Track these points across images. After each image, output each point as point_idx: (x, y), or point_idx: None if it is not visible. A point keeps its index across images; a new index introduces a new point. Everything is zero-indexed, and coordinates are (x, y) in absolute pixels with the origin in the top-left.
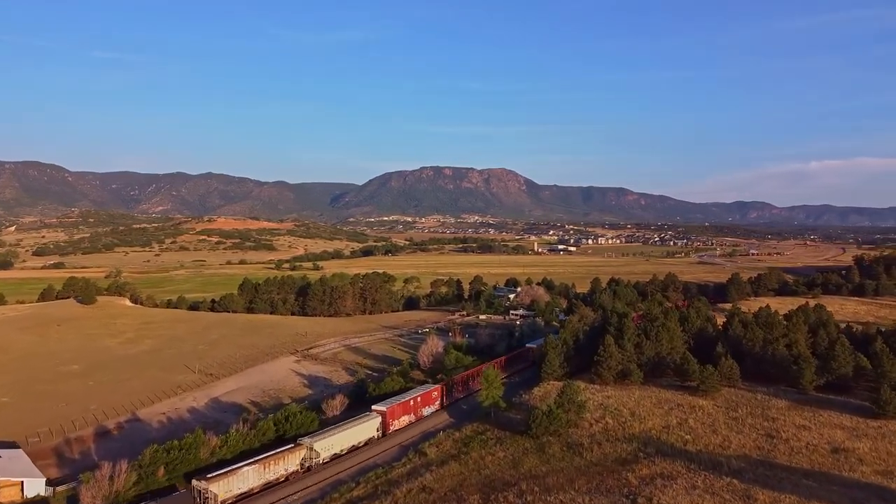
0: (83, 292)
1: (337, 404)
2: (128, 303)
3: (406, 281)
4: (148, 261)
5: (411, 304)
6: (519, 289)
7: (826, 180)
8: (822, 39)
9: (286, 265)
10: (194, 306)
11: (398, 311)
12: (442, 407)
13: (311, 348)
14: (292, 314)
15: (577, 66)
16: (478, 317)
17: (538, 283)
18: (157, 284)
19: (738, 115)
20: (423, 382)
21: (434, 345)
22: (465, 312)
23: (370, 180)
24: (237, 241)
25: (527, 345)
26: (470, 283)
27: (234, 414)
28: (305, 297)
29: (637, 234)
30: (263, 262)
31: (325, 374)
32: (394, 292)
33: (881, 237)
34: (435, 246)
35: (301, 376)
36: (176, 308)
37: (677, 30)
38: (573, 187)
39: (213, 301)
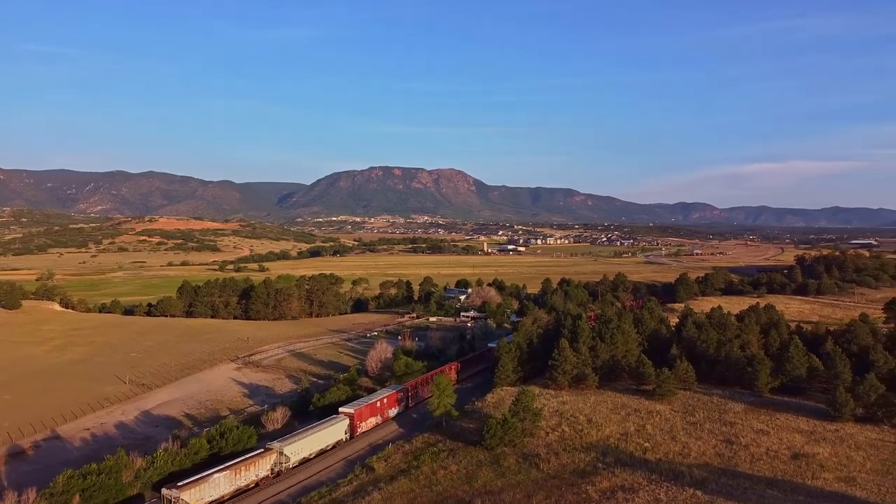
0: (7, 296)
1: (278, 417)
2: (57, 307)
3: (354, 282)
4: (84, 262)
5: (360, 306)
6: (470, 290)
7: (763, 182)
8: (759, 47)
9: (230, 267)
10: (129, 311)
11: (346, 313)
12: (408, 408)
13: (252, 354)
14: (234, 318)
15: (526, 69)
16: (428, 319)
17: (489, 284)
18: (92, 287)
19: (681, 119)
20: (371, 390)
21: (382, 350)
22: (415, 315)
23: (318, 180)
24: (179, 241)
25: (489, 345)
26: (420, 285)
27: (167, 428)
28: (248, 300)
29: (585, 235)
30: (206, 264)
31: (268, 382)
32: (341, 294)
33: (815, 237)
34: (384, 246)
35: (241, 385)
36: (110, 313)
37: (623, 35)
38: (522, 188)
39: (149, 305)
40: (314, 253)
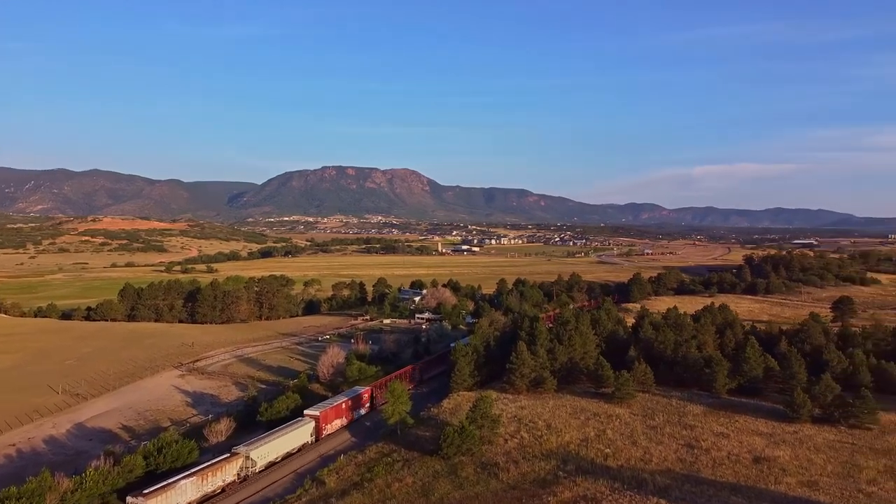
0: None
1: (222, 429)
2: None
3: (306, 284)
4: (21, 264)
5: (312, 308)
6: (424, 291)
7: (710, 184)
8: (705, 52)
9: (177, 268)
10: (67, 315)
11: (297, 316)
12: (372, 409)
13: (198, 360)
14: (180, 322)
15: (483, 69)
16: (382, 321)
17: (444, 285)
18: (29, 290)
19: (632, 121)
20: (323, 397)
21: (335, 354)
22: (368, 317)
23: (270, 179)
24: (124, 242)
25: (446, 347)
26: (374, 286)
27: (101, 442)
28: (195, 303)
29: (538, 235)
30: (152, 265)
31: (213, 390)
32: (292, 296)
33: (759, 237)
34: (337, 247)
35: (184, 394)
36: (46, 317)
37: (576, 37)
38: (476, 188)
39: (88, 309)
40: (265, 254)
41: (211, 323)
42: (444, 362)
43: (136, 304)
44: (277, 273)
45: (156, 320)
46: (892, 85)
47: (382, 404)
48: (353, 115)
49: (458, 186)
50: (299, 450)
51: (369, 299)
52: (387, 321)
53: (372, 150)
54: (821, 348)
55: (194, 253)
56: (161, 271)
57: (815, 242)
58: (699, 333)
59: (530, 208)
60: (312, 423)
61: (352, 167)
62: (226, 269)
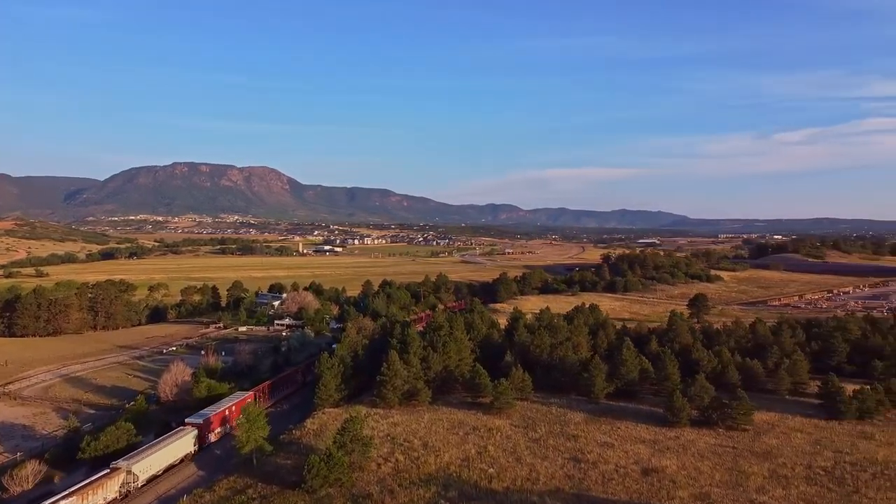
0: None
1: (28, 475)
2: None
3: (151, 288)
4: None
5: (157, 315)
6: (284, 295)
7: (562, 186)
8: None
9: None
10: None
11: (140, 325)
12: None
13: (10, 383)
14: None
15: (342, 68)
16: (237, 329)
17: (306, 289)
18: None
19: (491, 124)
20: (165, 424)
21: (179, 371)
22: (221, 324)
23: (113, 175)
24: None
25: (314, 354)
26: (228, 290)
27: None
28: (13, 313)
29: (402, 235)
30: None
31: (27, 419)
32: (134, 303)
33: (608, 237)
34: (189, 248)
35: None
36: None
37: (438, 42)
38: (338, 188)
39: None
40: (107, 255)
41: (34, 336)
42: (308, 374)
43: None
44: (119, 277)
45: None
46: (718, 98)
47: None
48: (206, 109)
49: (319, 186)
50: (182, 460)
51: (223, 305)
52: (243, 329)
53: (228, 147)
54: (689, 347)
55: (23, 255)
56: None
57: (657, 242)
58: (573, 335)
59: (393, 208)
60: (195, 432)
61: (206, 164)
62: (59, 273)
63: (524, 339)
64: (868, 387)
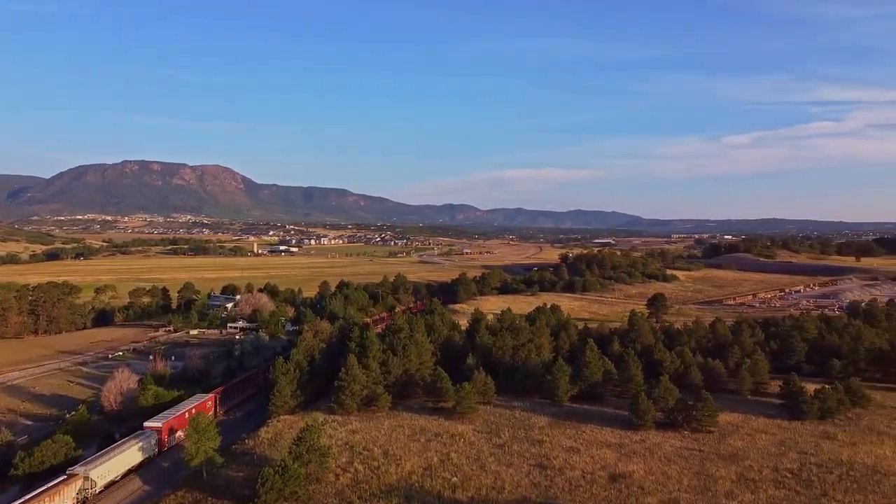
0: None
1: None
2: None
3: (98, 290)
4: None
5: (104, 319)
6: (238, 297)
7: (519, 187)
8: (519, 62)
9: None
10: None
11: (86, 328)
12: (215, 417)
13: None
14: None
15: (298, 66)
16: (188, 332)
17: (260, 290)
18: None
19: (448, 124)
20: (108, 435)
21: (124, 378)
22: (171, 328)
23: (60, 173)
24: None
25: (268, 358)
26: (179, 292)
27: None
28: None
29: (359, 235)
30: None
31: None
32: (79, 306)
33: (564, 237)
34: (139, 248)
35: None
36: None
37: (389, 40)
38: (294, 187)
39: None
40: (52, 256)
41: None
42: (257, 381)
43: None
44: (64, 278)
45: None
46: (670, 101)
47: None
48: (156, 105)
49: (275, 185)
50: (141, 465)
51: (174, 307)
52: (194, 332)
53: (180, 145)
54: (651, 348)
55: None
56: None
57: (612, 242)
58: (535, 336)
59: (350, 208)
60: (155, 436)
61: (157, 162)
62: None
63: (486, 341)
64: (828, 386)
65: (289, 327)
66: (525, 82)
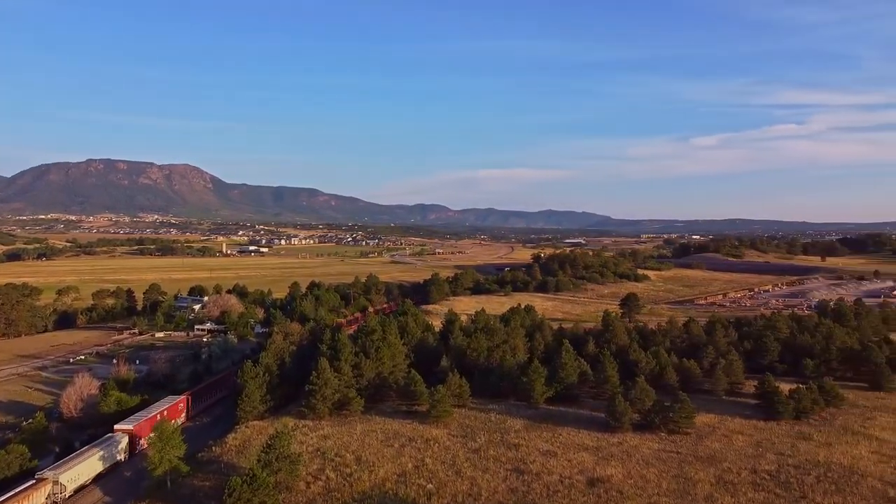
0: None
1: None
2: None
3: (60, 292)
4: None
5: (66, 321)
6: (206, 298)
7: (491, 187)
8: (490, 62)
9: None
10: None
11: (47, 331)
12: (188, 420)
13: None
14: None
15: (266, 64)
16: (154, 335)
17: (229, 291)
18: None
19: (421, 123)
20: (68, 444)
21: (85, 384)
22: (136, 330)
23: (22, 172)
24: None
25: (236, 362)
26: (145, 293)
27: None
28: None
29: (330, 235)
30: None
31: None
32: (40, 308)
33: (536, 236)
34: (104, 248)
35: None
36: None
37: (356, 40)
38: (264, 187)
39: None
40: (13, 256)
41: None
42: (225, 386)
43: None
44: (26, 279)
45: None
46: (640, 103)
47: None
48: (123, 103)
49: (244, 184)
50: (111, 469)
51: (139, 309)
52: (160, 335)
53: (147, 144)
54: (626, 348)
55: None
56: None
57: (583, 242)
58: (510, 337)
59: (321, 208)
60: (126, 439)
61: (123, 161)
62: None
63: (460, 342)
64: (803, 386)
65: (258, 329)
66: (494, 82)
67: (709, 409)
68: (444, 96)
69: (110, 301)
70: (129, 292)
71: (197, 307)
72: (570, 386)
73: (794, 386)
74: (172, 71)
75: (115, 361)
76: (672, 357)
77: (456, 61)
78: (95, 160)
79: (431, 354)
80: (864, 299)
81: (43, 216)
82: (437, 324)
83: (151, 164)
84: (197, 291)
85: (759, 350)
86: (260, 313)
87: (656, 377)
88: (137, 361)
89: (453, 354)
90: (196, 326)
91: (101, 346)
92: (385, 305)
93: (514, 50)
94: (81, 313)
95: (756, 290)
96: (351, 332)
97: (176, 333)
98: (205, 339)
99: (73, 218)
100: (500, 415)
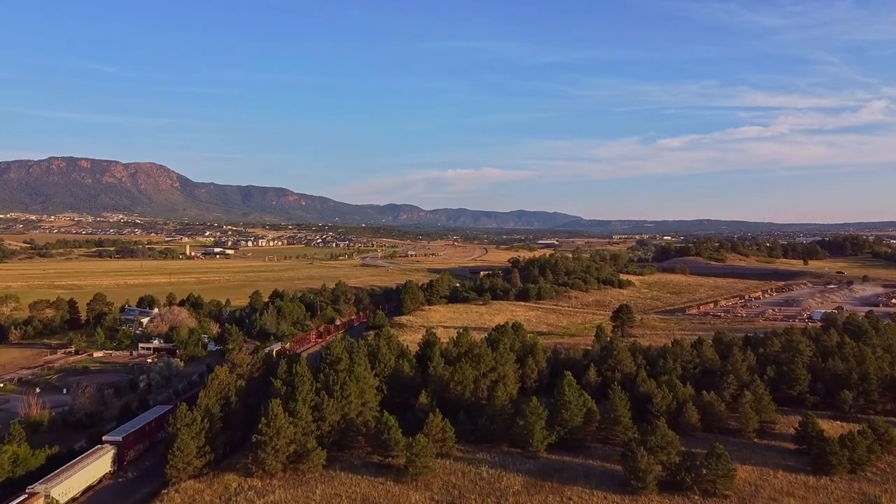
0: None
1: None
2: None
3: None
4: None
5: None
6: (155, 311)
7: (462, 187)
8: (455, 63)
9: None
10: None
11: None
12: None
13: None
14: None
15: (227, 61)
16: (91, 355)
17: (182, 302)
18: None
19: (390, 123)
20: None
21: None
22: (73, 348)
23: None
24: None
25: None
26: (89, 304)
27: None
28: None
29: (299, 236)
30: None
31: None
32: None
33: (507, 237)
34: (60, 250)
35: None
36: None
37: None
38: (232, 186)
39: None
40: None
41: None
42: (164, 426)
43: None
44: None
45: None
46: (607, 104)
47: None
48: (85, 100)
49: (212, 183)
50: (100, 481)
51: (83, 321)
52: (98, 354)
53: (111, 141)
54: (633, 377)
55: None
56: None
57: (556, 243)
58: (499, 364)
59: (290, 208)
60: (113, 451)
61: (86, 159)
62: None
63: (442, 372)
64: (855, 428)
65: (212, 346)
66: (460, 82)
67: (742, 459)
68: (412, 94)
69: (50, 312)
70: (72, 303)
71: (145, 320)
72: (575, 430)
73: (836, 424)
74: (138, 70)
75: (25, 396)
76: (688, 387)
77: (420, 61)
78: (58, 158)
79: (407, 387)
80: (863, 308)
81: (1, 215)
82: (413, 340)
83: (116, 162)
84: (146, 302)
85: (785, 378)
86: (215, 328)
87: (673, 414)
88: (65, 391)
89: (433, 387)
90: (140, 344)
91: (29, 367)
92: (354, 317)
93: (474, 50)
94: (15, 327)
95: (746, 297)
96: (316, 349)
97: (117, 353)
98: (149, 360)
99: (34, 217)
100: (493, 468)
